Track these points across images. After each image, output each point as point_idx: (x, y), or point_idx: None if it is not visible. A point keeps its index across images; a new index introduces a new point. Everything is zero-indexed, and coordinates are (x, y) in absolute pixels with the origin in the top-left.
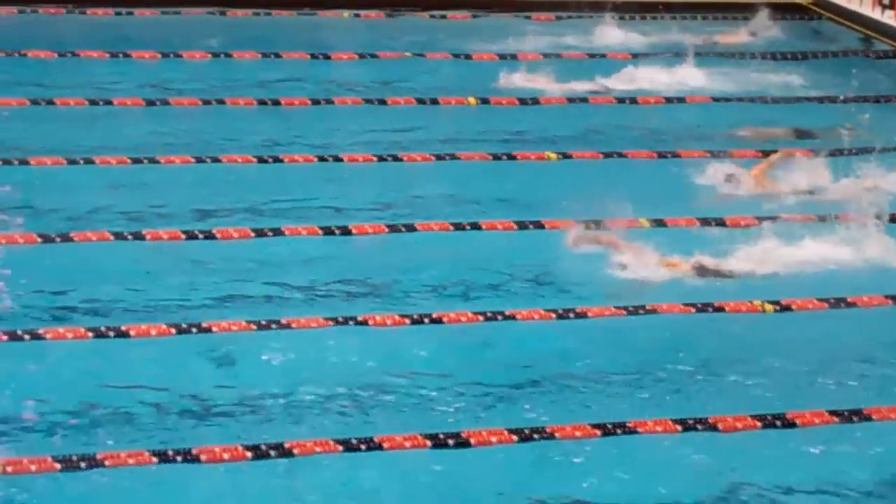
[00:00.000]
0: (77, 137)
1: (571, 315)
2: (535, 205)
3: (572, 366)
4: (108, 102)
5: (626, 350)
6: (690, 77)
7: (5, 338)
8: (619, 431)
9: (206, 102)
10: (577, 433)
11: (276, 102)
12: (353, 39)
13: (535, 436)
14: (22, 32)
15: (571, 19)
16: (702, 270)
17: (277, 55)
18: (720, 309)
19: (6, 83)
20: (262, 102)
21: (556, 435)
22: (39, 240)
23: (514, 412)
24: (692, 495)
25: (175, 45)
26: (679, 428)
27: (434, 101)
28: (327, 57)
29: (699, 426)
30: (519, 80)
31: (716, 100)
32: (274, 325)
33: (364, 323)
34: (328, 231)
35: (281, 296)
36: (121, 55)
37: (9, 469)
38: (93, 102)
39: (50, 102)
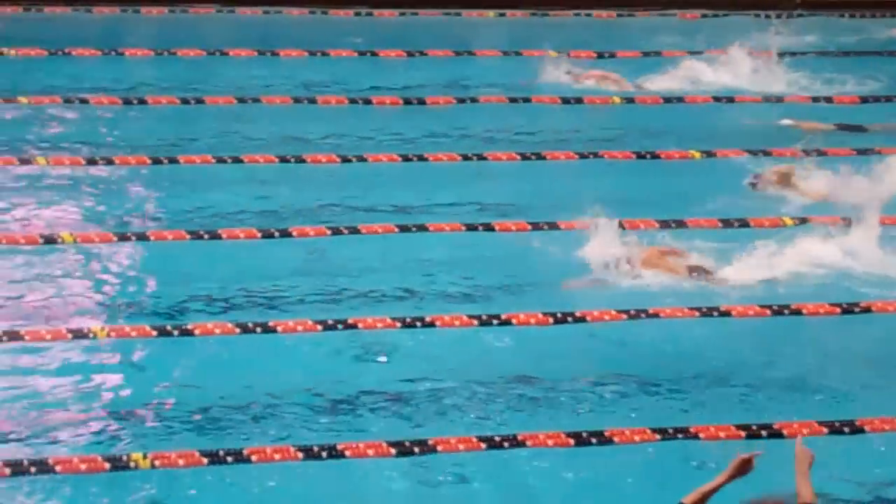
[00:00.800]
0: (225, 135)
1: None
2: (675, 205)
3: None
4: (256, 101)
5: None
6: None
7: (154, 333)
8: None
9: (353, 101)
10: None
11: (422, 101)
12: (498, 38)
13: None
14: (172, 32)
15: (717, 17)
16: None
17: (423, 53)
18: None
19: (157, 82)
20: (407, 101)
21: None
22: (188, 236)
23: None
24: None
25: (322, 44)
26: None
27: (578, 101)
28: (471, 54)
29: None
30: (664, 79)
31: None
32: (419, 323)
33: (508, 322)
34: (472, 227)
35: (427, 291)
36: (268, 53)
37: (157, 463)
38: (241, 101)
39: (199, 101)
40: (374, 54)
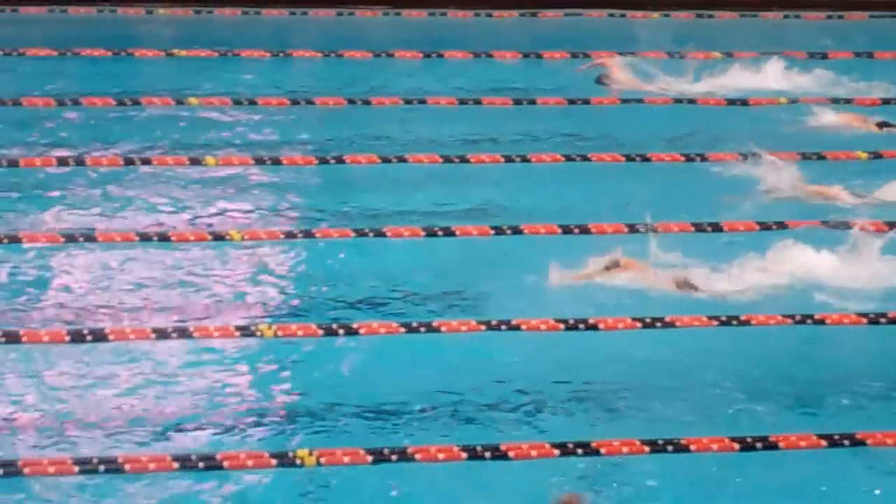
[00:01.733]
0: (391, 136)
1: None
2: None
3: None
4: (422, 102)
5: None
6: None
7: (321, 332)
8: None
9: (517, 102)
10: None
11: (586, 101)
12: (661, 38)
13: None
14: (339, 34)
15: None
16: None
17: (586, 55)
18: None
19: (324, 84)
20: (571, 102)
21: None
22: (353, 234)
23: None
24: None
25: (485, 46)
26: None
27: (744, 102)
28: (633, 54)
29: None
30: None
31: None
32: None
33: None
34: (632, 228)
35: None
36: (434, 55)
37: (322, 460)
38: (407, 102)
39: (366, 102)
40: (538, 56)
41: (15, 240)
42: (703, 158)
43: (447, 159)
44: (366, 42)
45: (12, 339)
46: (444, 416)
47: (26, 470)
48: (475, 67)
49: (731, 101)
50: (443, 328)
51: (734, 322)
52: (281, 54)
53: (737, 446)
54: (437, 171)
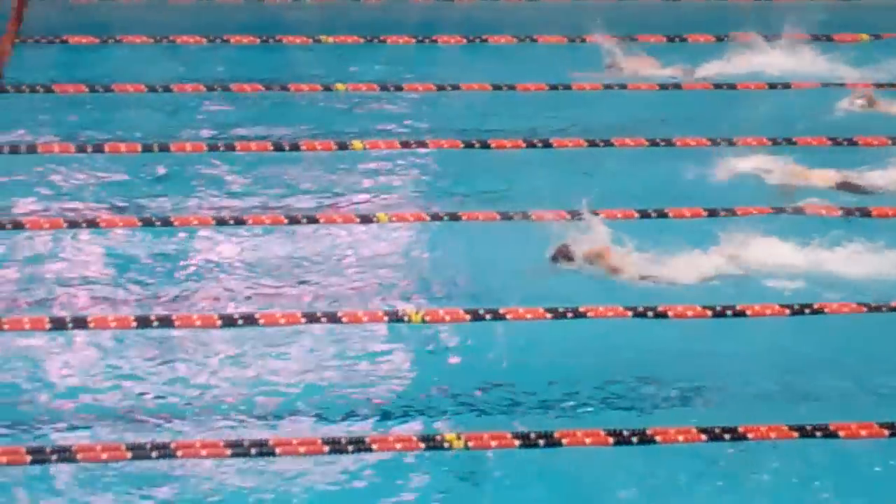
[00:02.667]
0: (537, 122)
1: None
2: None
3: None
4: (567, 87)
5: None
6: None
7: (468, 317)
8: None
9: (664, 87)
10: None
11: (731, 87)
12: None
13: None
14: (485, 19)
15: None
16: None
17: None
18: None
19: (469, 69)
20: (717, 86)
21: None
22: (499, 217)
23: None
24: None
25: (626, 29)
26: None
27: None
28: (829, 39)
29: None
30: None
31: None
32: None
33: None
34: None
35: None
36: (577, 40)
37: (470, 444)
38: (552, 88)
39: (511, 87)
40: (682, 39)
41: (167, 223)
42: None
43: (592, 143)
44: (510, 27)
45: (179, 324)
46: (591, 401)
47: (204, 452)
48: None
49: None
50: (589, 313)
51: None
52: (427, 40)
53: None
54: (581, 156)
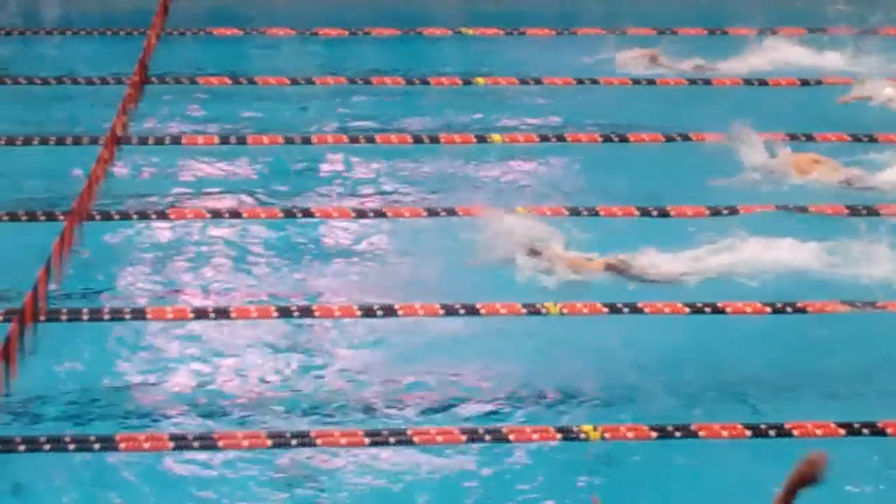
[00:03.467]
0: (676, 115)
1: None
2: None
3: None
4: (707, 82)
5: None
6: None
7: (605, 310)
8: None
9: (805, 83)
10: None
11: None
12: None
13: None
14: (625, 11)
15: None
16: None
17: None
18: None
19: (607, 63)
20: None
21: None
22: (637, 213)
23: None
24: None
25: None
26: None
27: None
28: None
29: None
30: None
31: None
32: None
33: None
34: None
35: None
36: (718, 32)
37: (606, 435)
38: (692, 82)
39: (650, 82)
40: (822, 31)
41: (308, 213)
42: None
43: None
44: (651, 19)
45: (319, 314)
46: (730, 395)
47: (319, 441)
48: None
49: None
50: (728, 309)
51: None
52: (566, 32)
53: None
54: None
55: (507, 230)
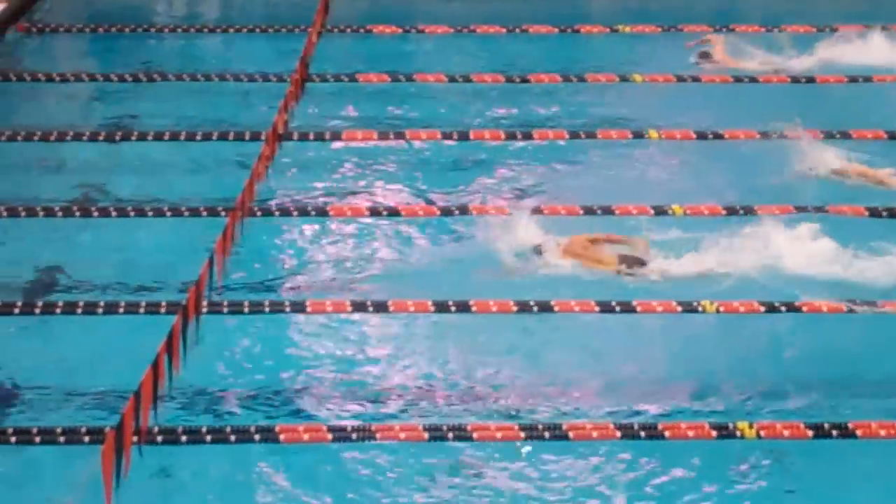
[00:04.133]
0: (835, 111)
1: None
2: None
3: None
4: (868, 80)
5: None
6: None
7: (762, 308)
8: None
9: None
10: None
11: None
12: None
13: None
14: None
15: None
16: None
17: None
18: None
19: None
20: None
21: None
22: (794, 210)
23: None
24: None
25: None
26: None
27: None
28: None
29: None
30: None
31: None
32: None
33: None
34: None
35: None
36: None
37: (762, 433)
38: (852, 80)
39: (810, 80)
40: None
41: (464, 211)
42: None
43: (892, 136)
44: (809, 17)
45: (476, 309)
46: (884, 393)
47: (475, 435)
48: None
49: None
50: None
51: None
52: (724, 29)
53: None
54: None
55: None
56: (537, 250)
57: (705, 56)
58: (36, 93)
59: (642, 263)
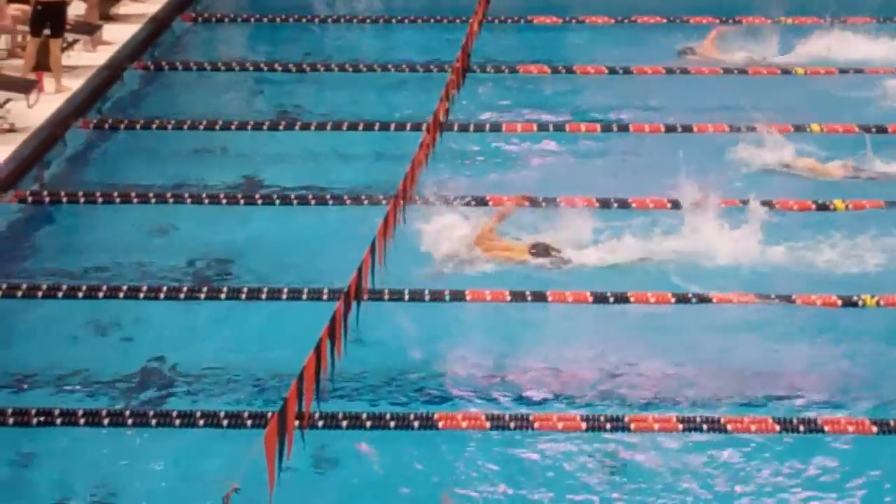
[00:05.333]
0: None
1: None
2: None
3: None
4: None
5: None
6: None
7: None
8: None
9: None
10: None
11: None
12: None
13: None
14: None
15: None
16: None
17: None
18: None
19: None
20: None
21: None
22: None
23: None
24: None
25: None
26: None
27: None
28: None
29: None
30: None
31: None
32: None
33: None
34: None
35: None
36: None
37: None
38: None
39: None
40: None
41: (624, 204)
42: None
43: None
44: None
45: (634, 300)
46: None
47: (632, 426)
48: None
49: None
50: None
51: None
52: (888, 21)
53: None
54: None
55: None
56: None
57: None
58: (201, 81)
59: (556, 251)
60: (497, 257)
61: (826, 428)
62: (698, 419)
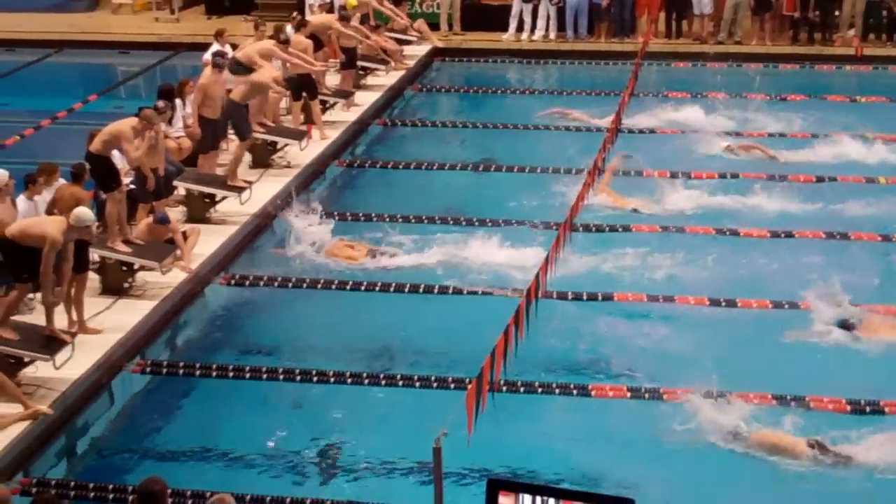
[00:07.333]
0: None
1: None
2: None
3: None
4: None
5: None
6: None
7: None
8: None
9: None
10: None
11: None
12: None
13: None
14: None
15: None
16: None
17: None
18: None
19: None
20: None
21: None
22: None
23: None
24: None
25: None
26: None
27: None
28: None
29: None
30: None
31: None
32: None
33: None
34: None
35: None
36: None
37: None
38: None
39: None
40: None
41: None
42: None
43: None
44: None
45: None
46: None
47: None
48: None
49: None
50: None
51: None
52: None
53: None
54: None
55: None
56: None
57: None
58: (421, 135)
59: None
60: None
61: None
62: None
